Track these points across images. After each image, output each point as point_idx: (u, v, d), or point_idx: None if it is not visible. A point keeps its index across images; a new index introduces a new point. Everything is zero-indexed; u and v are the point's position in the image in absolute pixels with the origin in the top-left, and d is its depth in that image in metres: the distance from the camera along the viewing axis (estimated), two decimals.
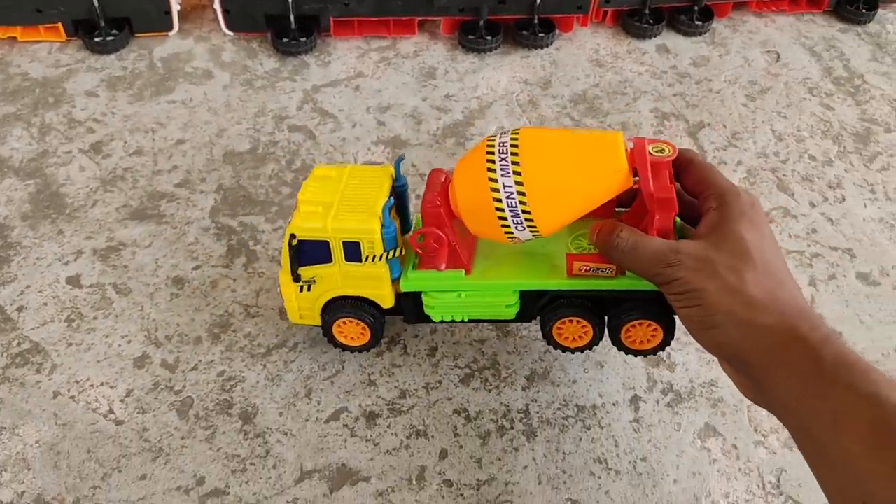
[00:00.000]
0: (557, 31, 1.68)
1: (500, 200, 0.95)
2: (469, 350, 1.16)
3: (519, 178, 0.95)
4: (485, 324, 1.18)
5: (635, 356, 1.15)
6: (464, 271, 1.07)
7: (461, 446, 1.05)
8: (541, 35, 1.65)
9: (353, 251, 1.03)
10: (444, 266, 1.04)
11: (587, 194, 0.97)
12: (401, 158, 1.09)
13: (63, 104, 1.47)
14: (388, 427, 1.07)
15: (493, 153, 0.97)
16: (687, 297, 0.82)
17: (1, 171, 1.36)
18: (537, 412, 1.09)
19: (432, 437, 1.06)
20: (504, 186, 0.95)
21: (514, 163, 0.95)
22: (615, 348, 1.08)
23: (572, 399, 1.11)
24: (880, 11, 1.82)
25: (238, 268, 1.26)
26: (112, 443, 1.03)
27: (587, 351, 1.11)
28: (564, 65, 1.64)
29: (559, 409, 1.10)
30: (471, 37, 1.64)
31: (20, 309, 1.18)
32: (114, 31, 1.55)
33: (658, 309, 1.04)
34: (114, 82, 1.52)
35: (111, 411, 1.07)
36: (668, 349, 1.08)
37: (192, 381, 1.11)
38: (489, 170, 0.96)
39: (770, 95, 1.61)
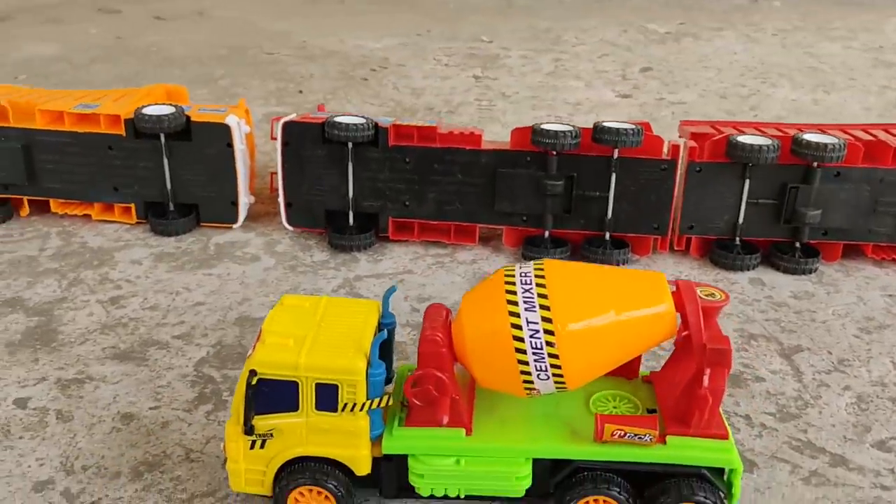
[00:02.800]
0: (631, 254, 1.55)
1: (521, 340, 0.83)
2: None
3: (547, 314, 0.83)
4: None
5: None
6: (464, 431, 0.88)
7: None
8: (612, 251, 1.52)
9: (327, 397, 0.86)
10: (446, 420, 0.86)
11: (627, 340, 0.86)
12: (392, 290, 0.96)
13: (104, 266, 1.48)
14: None
15: (513, 283, 0.86)
16: None
17: (13, 308, 1.34)
18: None
19: None
20: (528, 323, 0.83)
21: (540, 295, 0.84)
22: None
23: None
24: None
25: (199, 414, 1.10)
26: None
27: None
28: None
29: None
30: (535, 248, 1.54)
31: None
32: (180, 218, 1.60)
33: (708, 489, 0.85)
34: (162, 256, 1.53)
35: None
36: None
37: None
38: (510, 302, 0.85)
39: (891, 332, 1.34)
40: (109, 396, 1.14)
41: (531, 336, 0.83)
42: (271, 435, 0.88)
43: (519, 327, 0.83)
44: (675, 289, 0.88)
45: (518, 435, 0.89)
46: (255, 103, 2.29)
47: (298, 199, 1.60)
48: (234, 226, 1.65)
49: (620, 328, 0.85)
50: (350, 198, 1.57)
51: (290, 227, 1.63)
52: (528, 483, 0.88)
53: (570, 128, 1.47)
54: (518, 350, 0.83)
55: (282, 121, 1.55)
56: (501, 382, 0.88)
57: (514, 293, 0.85)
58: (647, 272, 0.89)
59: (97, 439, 1.05)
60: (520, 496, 0.89)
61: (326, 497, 0.90)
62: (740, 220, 1.52)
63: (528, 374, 0.84)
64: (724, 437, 0.87)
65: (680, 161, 1.50)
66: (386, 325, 0.95)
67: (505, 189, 1.52)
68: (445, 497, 0.90)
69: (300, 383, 0.85)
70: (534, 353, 0.82)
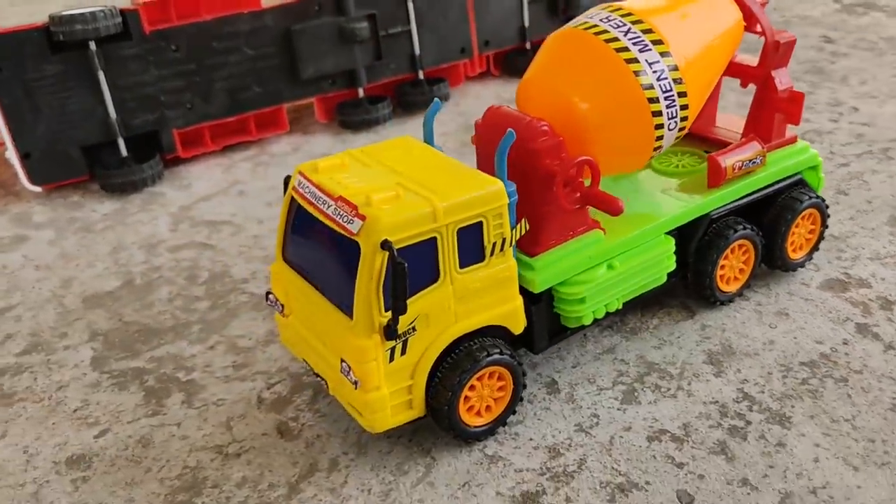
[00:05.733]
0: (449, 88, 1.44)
1: (650, 87, 0.72)
2: (600, 365, 0.79)
3: (664, 49, 0.73)
4: (594, 332, 0.80)
5: (786, 270, 0.90)
6: (601, 232, 0.76)
7: (700, 476, 0.65)
8: (429, 89, 1.40)
9: (471, 244, 0.65)
10: (621, 205, 0.70)
11: (719, 60, 0.80)
12: (435, 107, 0.76)
13: None
14: (569, 501, 0.60)
15: (607, 32, 0.73)
16: None
17: None
18: (761, 391, 0.75)
19: (648, 484, 0.62)
20: (649, 65, 0.72)
21: (646, 31, 0.73)
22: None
23: (789, 359, 0.80)
24: None
25: (175, 408, 0.77)
26: None
27: (753, 308, 0.85)
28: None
29: (785, 376, 0.79)
30: (354, 110, 1.35)
31: None
32: None
33: (808, 189, 0.87)
34: None
35: None
36: (837, 265, 0.89)
37: None
38: (618, 50, 0.72)
39: None
40: (18, 455, 0.73)
41: (658, 79, 0.72)
42: (413, 329, 0.64)
43: (642, 73, 0.71)
44: None
45: (646, 217, 0.78)
46: None
47: (37, 144, 1.16)
48: None
49: (714, 48, 0.78)
50: (113, 119, 1.18)
51: (35, 188, 1.19)
52: (672, 263, 0.79)
53: None
54: (651, 100, 0.71)
55: None
56: (629, 151, 0.75)
57: (618, 38, 0.72)
58: None
59: (73, 501, 0.66)
60: (664, 283, 0.79)
61: (500, 377, 0.69)
62: (526, 24, 1.51)
63: (661, 126, 0.73)
64: (794, 140, 0.86)
65: None
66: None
67: (307, 49, 1.29)
68: (606, 314, 0.75)
69: (439, 238, 0.63)
70: (665, 97, 0.72)
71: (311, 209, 0.66)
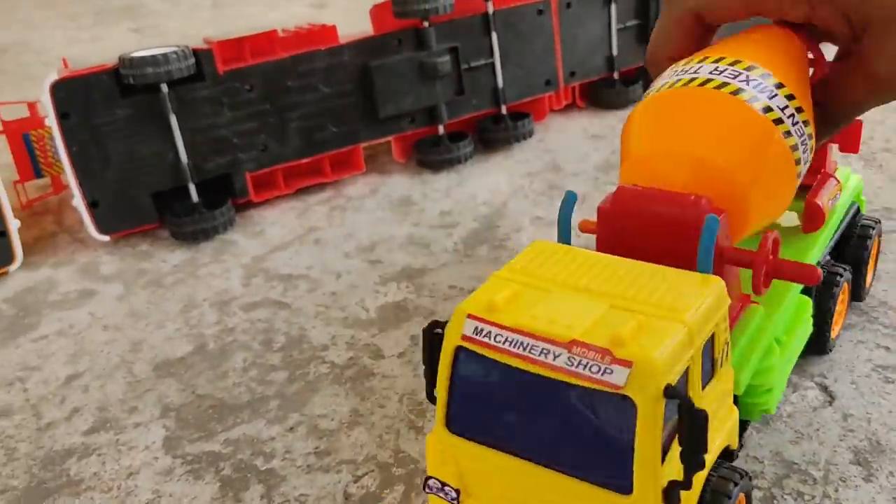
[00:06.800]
0: (533, 123, 1.36)
1: (769, 109, 0.62)
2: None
3: (761, 71, 0.64)
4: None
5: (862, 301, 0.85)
6: (757, 306, 0.67)
7: None
8: (513, 125, 1.32)
9: (706, 359, 0.54)
10: (819, 271, 0.62)
11: (802, 71, 0.71)
12: (572, 198, 0.63)
13: None
14: None
15: (696, 78, 0.64)
16: None
17: None
18: None
19: None
20: (757, 89, 0.63)
21: (734, 63, 0.65)
22: None
23: None
24: None
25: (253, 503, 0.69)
26: None
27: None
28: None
29: None
30: (434, 148, 1.28)
31: None
32: None
33: (873, 221, 0.86)
34: None
35: None
36: None
37: None
38: (718, 87, 0.63)
39: None
40: None
41: (770, 98, 0.63)
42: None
43: (754, 100, 0.62)
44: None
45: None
46: None
47: (105, 191, 1.12)
48: (12, 267, 1.11)
49: (797, 61, 0.71)
50: (185, 164, 1.13)
51: (103, 237, 1.14)
52: (811, 325, 0.74)
53: None
54: (775, 121, 0.63)
55: (47, 82, 1.06)
56: (778, 194, 0.66)
57: (711, 80, 0.63)
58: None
59: None
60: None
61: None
62: (615, 53, 1.42)
63: (795, 148, 0.64)
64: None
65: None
66: None
67: (386, 86, 1.22)
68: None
69: (691, 363, 0.52)
70: (786, 116, 0.63)
71: (510, 360, 0.51)
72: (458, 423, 0.55)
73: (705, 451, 0.47)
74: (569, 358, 0.48)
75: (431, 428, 0.75)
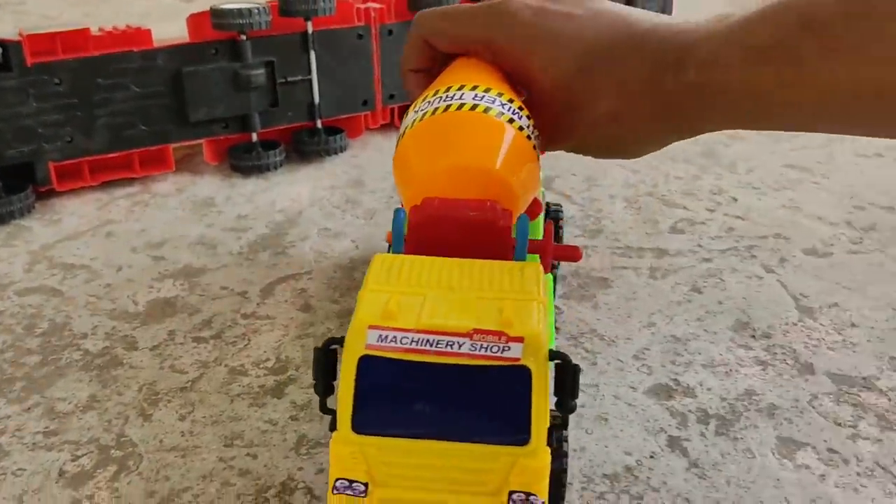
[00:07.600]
0: (347, 138, 1.45)
1: (521, 129, 0.75)
2: None
3: (500, 92, 0.77)
4: None
5: None
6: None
7: None
8: (327, 139, 1.40)
9: None
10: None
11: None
12: (401, 215, 0.71)
13: None
14: None
15: (437, 109, 0.75)
16: None
17: None
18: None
19: None
20: (511, 112, 0.76)
21: (485, 90, 0.77)
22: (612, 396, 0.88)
23: (594, 470, 0.80)
24: None
25: None
26: None
27: (577, 412, 0.84)
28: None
29: (585, 488, 0.79)
30: (246, 155, 1.34)
31: None
32: None
33: None
34: None
35: None
36: (670, 369, 0.91)
37: None
38: (458, 108, 0.75)
39: None
40: None
41: (516, 116, 0.76)
42: None
43: (512, 121, 0.75)
44: None
45: None
46: None
47: None
48: None
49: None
50: None
51: None
52: None
53: (257, 4, 1.28)
54: (510, 121, 0.75)
55: None
56: (532, 181, 0.78)
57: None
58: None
59: None
60: None
61: None
62: None
63: (530, 137, 0.76)
64: None
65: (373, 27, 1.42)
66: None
67: (197, 92, 1.28)
68: None
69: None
70: (526, 126, 0.76)
71: (420, 357, 0.58)
72: (366, 424, 0.60)
73: (576, 395, 0.60)
74: (471, 344, 0.58)
75: (161, 416, 0.83)
